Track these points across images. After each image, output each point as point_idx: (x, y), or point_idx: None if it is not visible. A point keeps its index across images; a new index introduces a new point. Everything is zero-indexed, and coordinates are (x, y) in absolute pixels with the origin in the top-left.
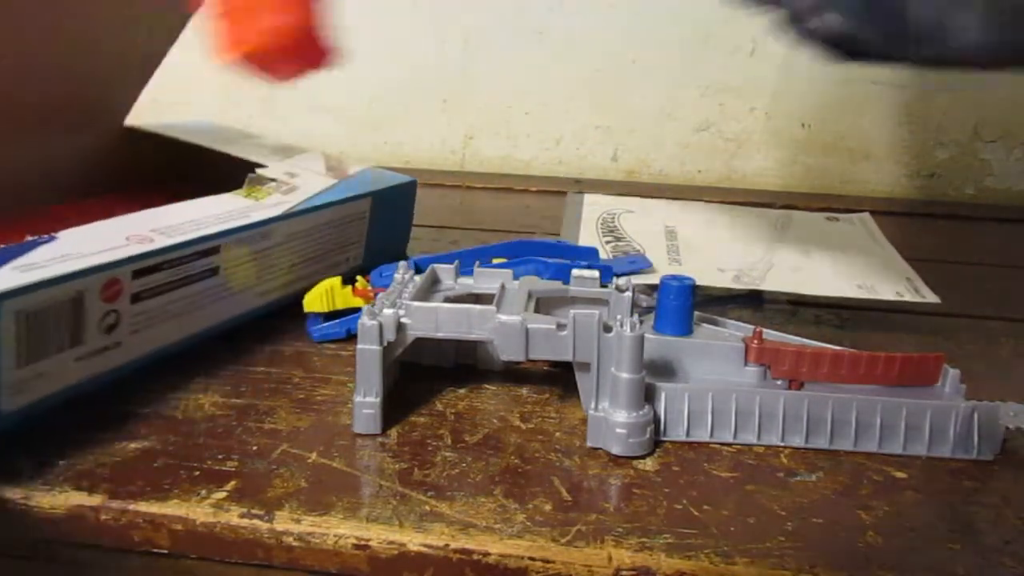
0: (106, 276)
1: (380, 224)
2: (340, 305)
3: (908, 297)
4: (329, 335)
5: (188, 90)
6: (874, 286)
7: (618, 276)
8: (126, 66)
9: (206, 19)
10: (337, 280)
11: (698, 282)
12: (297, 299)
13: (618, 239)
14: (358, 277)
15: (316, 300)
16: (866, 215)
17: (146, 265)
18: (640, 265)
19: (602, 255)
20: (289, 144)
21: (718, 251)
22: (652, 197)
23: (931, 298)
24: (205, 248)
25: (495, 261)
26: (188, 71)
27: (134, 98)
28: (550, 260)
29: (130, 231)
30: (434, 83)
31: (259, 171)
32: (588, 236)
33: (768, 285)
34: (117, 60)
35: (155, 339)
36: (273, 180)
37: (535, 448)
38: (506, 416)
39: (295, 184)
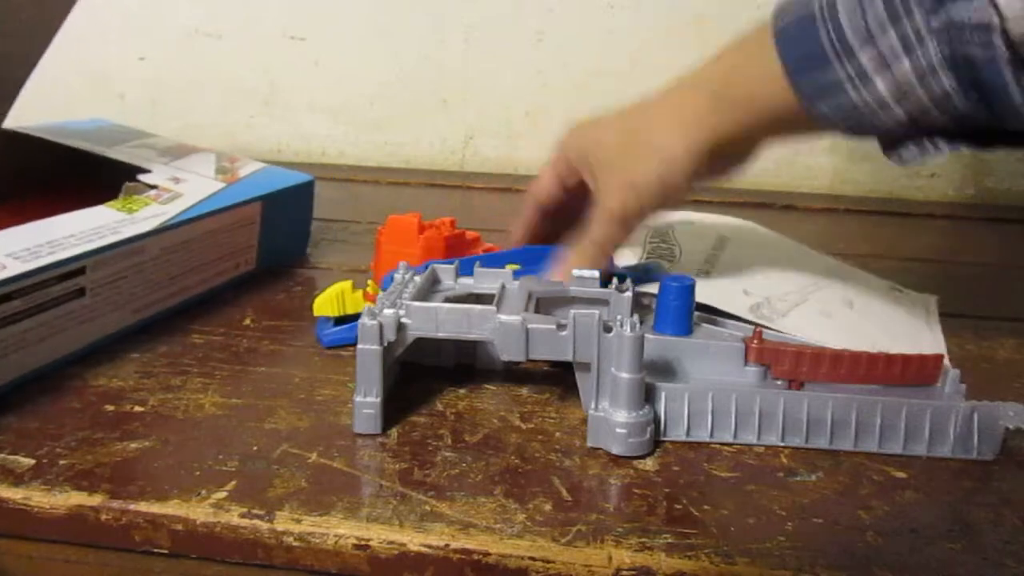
0: None
1: (274, 227)
2: (351, 310)
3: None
4: (339, 340)
5: (188, 91)
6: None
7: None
8: None
9: None
10: (348, 284)
11: (712, 302)
12: (180, 311)
13: (662, 242)
14: (368, 281)
15: (326, 304)
16: (933, 299)
17: None
18: (654, 273)
19: (636, 258)
20: (184, 143)
21: (755, 273)
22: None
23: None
24: (66, 271)
25: (508, 268)
26: (187, 72)
27: (9, 103)
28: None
29: None
30: (434, 83)
31: (139, 177)
32: (634, 242)
33: (783, 325)
34: None
35: (14, 368)
36: (153, 188)
37: (535, 448)
38: (506, 416)
39: (178, 191)
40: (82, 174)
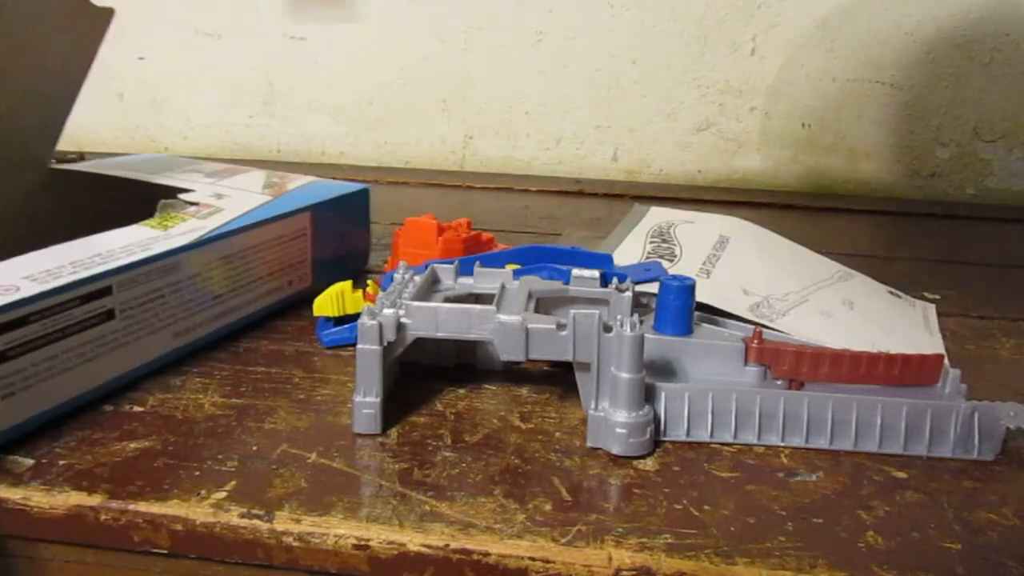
0: None
1: (329, 239)
2: (351, 310)
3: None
4: (339, 340)
5: (188, 91)
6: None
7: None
8: (39, 107)
9: None
10: (348, 284)
11: (712, 301)
12: (228, 334)
13: (663, 241)
14: (369, 281)
15: (326, 304)
16: (932, 306)
17: (8, 319)
18: (655, 273)
19: (638, 259)
20: (238, 167)
21: (756, 273)
22: (725, 211)
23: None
24: (89, 291)
25: (508, 267)
26: (187, 72)
27: (54, 140)
28: (563, 267)
29: None
30: (434, 83)
31: (180, 196)
32: (634, 242)
33: (783, 325)
34: (28, 102)
35: (38, 402)
36: (193, 204)
37: (535, 448)
38: (506, 416)
39: (220, 206)
40: (133, 205)
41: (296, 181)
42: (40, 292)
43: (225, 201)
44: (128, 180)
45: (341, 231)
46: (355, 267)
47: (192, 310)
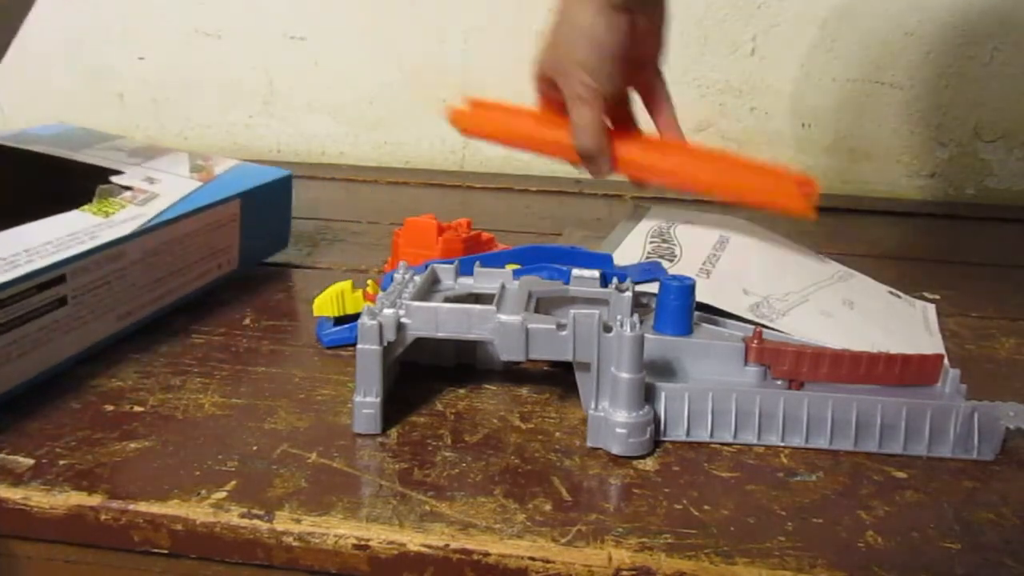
0: None
1: (254, 224)
2: (351, 310)
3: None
4: (339, 340)
5: (188, 91)
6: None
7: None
8: None
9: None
10: (348, 284)
11: (712, 301)
12: (163, 316)
13: (663, 241)
14: (369, 281)
15: (326, 305)
16: (932, 306)
17: None
18: (655, 273)
19: (638, 259)
20: (152, 144)
21: (756, 273)
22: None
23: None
24: (46, 280)
25: (508, 268)
26: (187, 72)
27: None
28: (563, 267)
29: None
30: (434, 83)
31: (113, 179)
32: (634, 242)
33: (783, 325)
34: None
35: (5, 380)
36: (128, 189)
37: (535, 448)
38: (506, 416)
39: (154, 191)
40: (52, 181)
41: (222, 164)
42: (3, 282)
43: (158, 186)
44: (49, 157)
45: (266, 217)
46: (276, 250)
47: (135, 294)
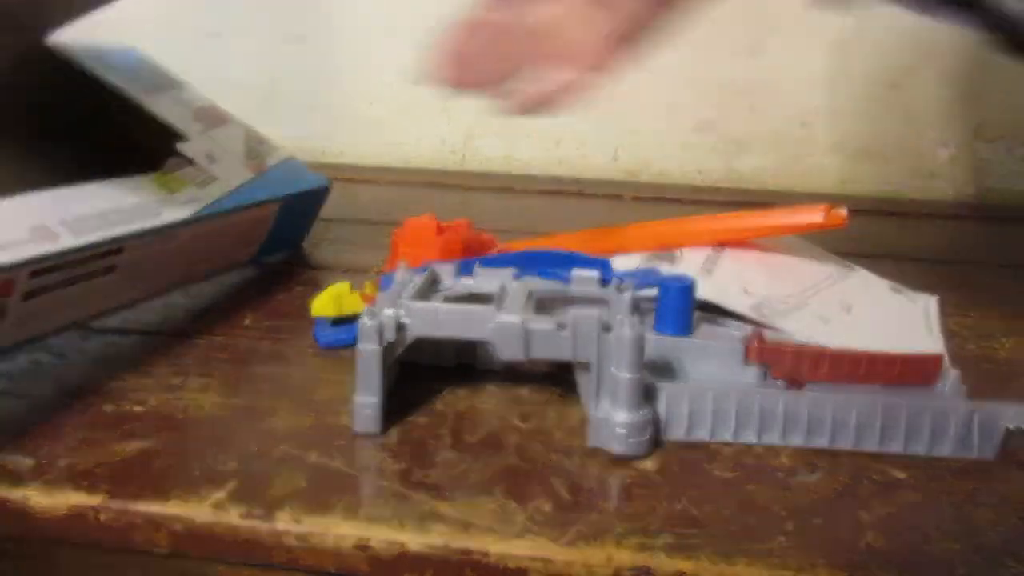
0: (1, 277)
1: (282, 225)
2: (348, 310)
3: None
4: (337, 342)
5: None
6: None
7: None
8: None
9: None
10: (346, 285)
11: (714, 299)
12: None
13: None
14: (366, 283)
15: (324, 305)
16: (934, 299)
17: (45, 266)
18: (652, 280)
19: (638, 259)
20: (211, 105)
21: (755, 273)
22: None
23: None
24: (107, 250)
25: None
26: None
27: (65, 17)
28: (562, 272)
29: (34, 220)
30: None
31: (179, 147)
32: None
33: (784, 325)
34: None
35: (35, 329)
36: (190, 163)
37: (535, 448)
38: (506, 416)
39: (212, 174)
40: (118, 124)
41: (273, 155)
42: (74, 246)
43: (216, 168)
44: (125, 99)
45: (297, 221)
46: (289, 250)
47: (167, 272)
